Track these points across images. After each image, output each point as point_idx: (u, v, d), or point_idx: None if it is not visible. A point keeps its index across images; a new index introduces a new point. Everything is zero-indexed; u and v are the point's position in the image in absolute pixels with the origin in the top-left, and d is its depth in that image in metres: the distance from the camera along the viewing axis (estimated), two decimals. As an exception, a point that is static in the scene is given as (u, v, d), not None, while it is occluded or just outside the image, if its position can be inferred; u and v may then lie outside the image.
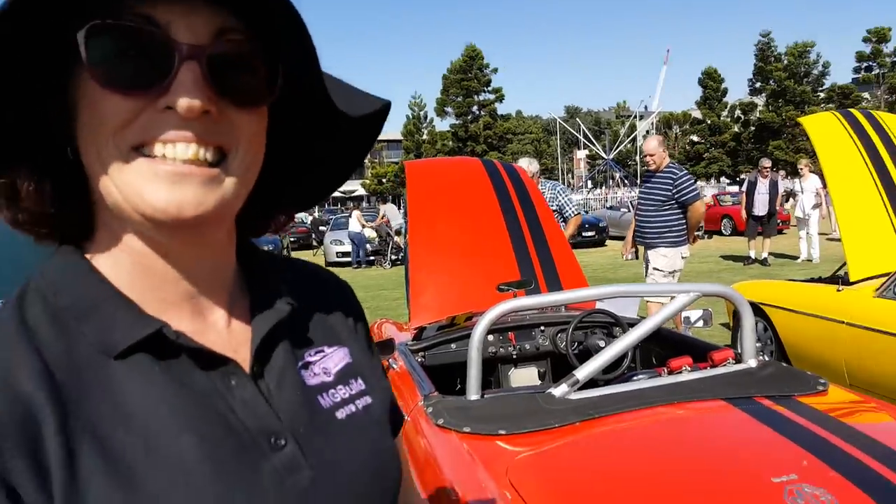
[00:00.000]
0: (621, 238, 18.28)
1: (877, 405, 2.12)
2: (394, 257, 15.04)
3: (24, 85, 0.49)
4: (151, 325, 0.52)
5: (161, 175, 0.49)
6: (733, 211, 16.29)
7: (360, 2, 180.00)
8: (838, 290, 4.02)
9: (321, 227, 21.47)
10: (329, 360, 0.64)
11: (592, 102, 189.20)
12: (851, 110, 4.99)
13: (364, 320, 0.74)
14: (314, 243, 20.77)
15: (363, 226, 15.48)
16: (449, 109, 43.97)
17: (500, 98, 44.47)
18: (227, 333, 0.58)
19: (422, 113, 45.65)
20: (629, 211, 18.93)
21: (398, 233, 14.74)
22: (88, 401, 0.49)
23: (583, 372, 2.20)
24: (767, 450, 1.72)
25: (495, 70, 44.25)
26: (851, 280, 4.11)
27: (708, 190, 31.25)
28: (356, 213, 15.93)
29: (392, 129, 51.98)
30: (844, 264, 4.25)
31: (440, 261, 3.57)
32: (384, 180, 44.49)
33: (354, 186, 60.13)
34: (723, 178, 42.54)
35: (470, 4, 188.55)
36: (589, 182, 52.95)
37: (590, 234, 17.03)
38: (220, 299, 0.59)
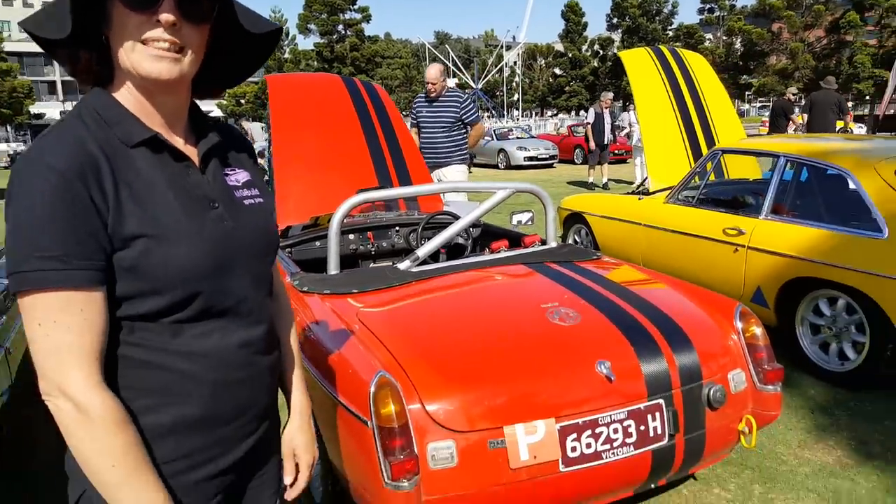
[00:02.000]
0: (485, 165, 19.39)
1: (628, 266, 2.90)
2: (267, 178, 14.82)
3: (85, 7, 0.92)
4: (150, 132, 0.99)
5: (150, 56, 0.94)
6: (584, 141, 17.69)
7: None
8: (639, 199, 4.93)
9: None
10: (238, 175, 1.14)
11: (462, 29, 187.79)
12: (661, 47, 5.87)
13: (255, 157, 1.22)
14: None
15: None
16: (312, 27, 41.93)
17: (367, 18, 43.04)
18: (184, 147, 1.06)
19: (283, 29, 42.99)
20: (493, 139, 19.93)
21: (261, 155, 14.50)
22: (121, 165, 0.96)
23: (422, 250, 2.76)
24: (543, 290, 2.41)
25: (360, -14, 42.55)
26: (651, 191, 5.04)
27: (568, 121, 33.04)
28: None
29: (253, 46, 48.13)
30: (647, 178, 5.17)
31: (303, 169, 3.93)
32: (243, 101, 42.02)
33: (210, 108, 56.26)
34: (582, 112, 44.93)
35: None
36: (458, 111, 53.47)
37: (454, 160, 17.79)
38: (180, 130, 1.06)
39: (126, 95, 0.99)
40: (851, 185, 3.47)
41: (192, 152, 1.06)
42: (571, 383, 1.96)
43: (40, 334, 0.89)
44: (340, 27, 42.53)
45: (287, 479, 1.27)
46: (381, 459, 1.76)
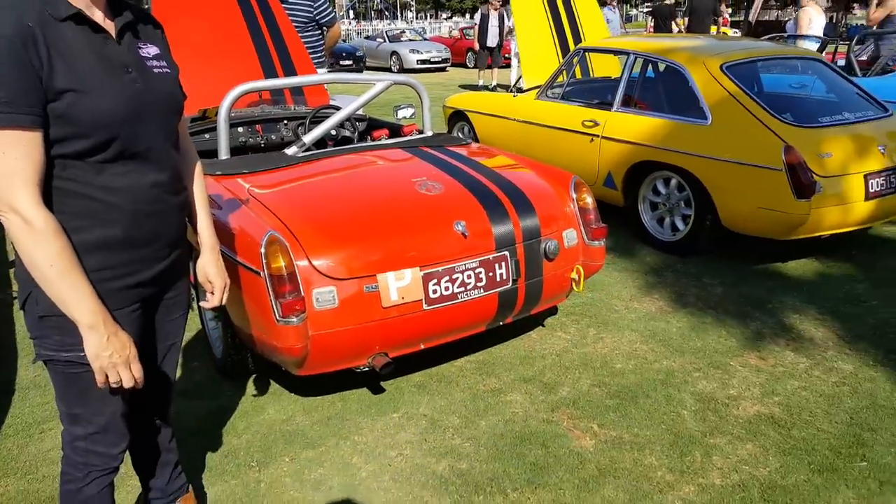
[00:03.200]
0: (377, 68, 19.04)
1: (492, 149, 3.32)
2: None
3: None
4: (75, 9, 1.25)
5: None
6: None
7: None
8: (514, 97, 5.34)
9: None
10: (150, 49, 1.41)
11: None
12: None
13: (163, 33, 1.48)
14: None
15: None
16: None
17: None
18: (104, 23, 1.31)
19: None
20: (385, 42, 19.49)
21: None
22: (53, 34, 1.21)
23: (307, 137, 3.03)
24: (415, 168, 2.79)
25: None
26: (525, 88, 5.45)
27: (463, 24, 32.52)
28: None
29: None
30: (521, 77, 5.56)
31: (187, 61, 3.91)
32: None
33: None
34: (477, 15, 44.19)
35: None
36: (350, 12, 51.18)
37: (347, 63, 17.35)
38: (100, 7, 1.31)
39: None
40: (685, 78, 4.02)
41: (110, 27, 1.32)
42: (433, 239, 2.39)
43: None
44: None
45: (205, 302, 1.63)
46: (273, 301, 2.13)
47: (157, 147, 1.37)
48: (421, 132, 3.46)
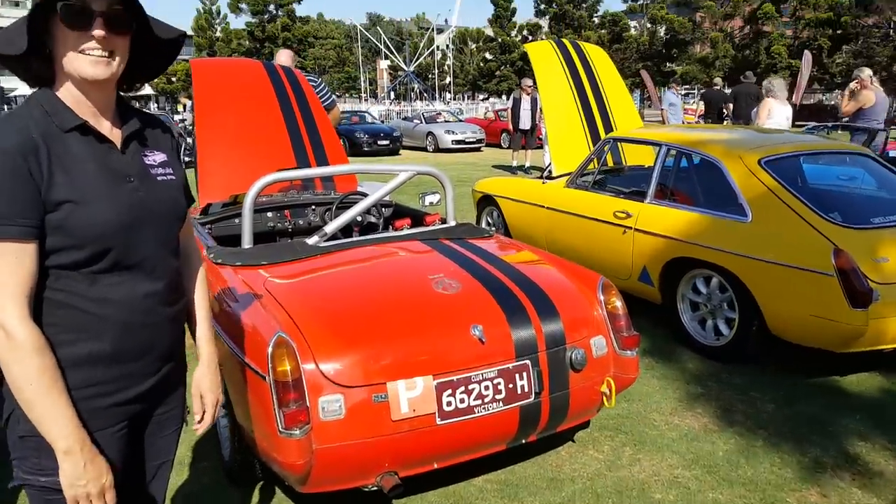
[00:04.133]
0: (414, 147, 19.50)
1: (514, 243, 3.20)
2: (186, 159, 14.49)
3: (34, 28, 1.20)
4: (80, 120, 1.26)
5: (89, 62, 1.21)
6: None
7: None
8: (543, 183, 5.27)
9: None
10: (156, 156, 1.40)
11: (394, 11, 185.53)
12: (564, 40, 6.22)
13: (177, 143, 1.49)
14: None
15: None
16: (244, 6, 40.87)
17: (299, -1, 42.29)
18: (110, 132, 1.32)
19: (214, 7, 41.76)
20: (421, 122, 20.09)
21: (190, 133, 14.08)
22: (57, 146, 1.22)
23: (329, 226, 2.96)
24: (433, 263, 2.67)
25: (292, -34, 41.66)
26: (554, 175, 5.39)
27: (499, 106, 33.48)
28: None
29: (182, 23, 46.36)
30: (551, 164, 5.52)
31: (224, 149, 4.03)
32: (174, 79, 40.53)
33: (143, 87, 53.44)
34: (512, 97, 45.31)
35: None
36: (391, 93, 53.40)
37: (385, 143, 17.84)
38: (109, 118, 1.32)
39: (65, 92, 1.25)
40: (721, 173, 3.87)
41: (117, 135, 1.32)
42: (448, 344, 2.22)
43: None
44: (272, 7, 41.53)
45: (196, 417, 1.52)
46: (277, 410, 1.97)
47: (153, 256, 1.34)
48: (444, 221, 3.38)
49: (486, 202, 5.88)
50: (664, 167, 4.28)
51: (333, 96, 5.42)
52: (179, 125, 14.78)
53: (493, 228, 5.67)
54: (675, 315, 4.05)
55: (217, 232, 3.67)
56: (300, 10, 43.64)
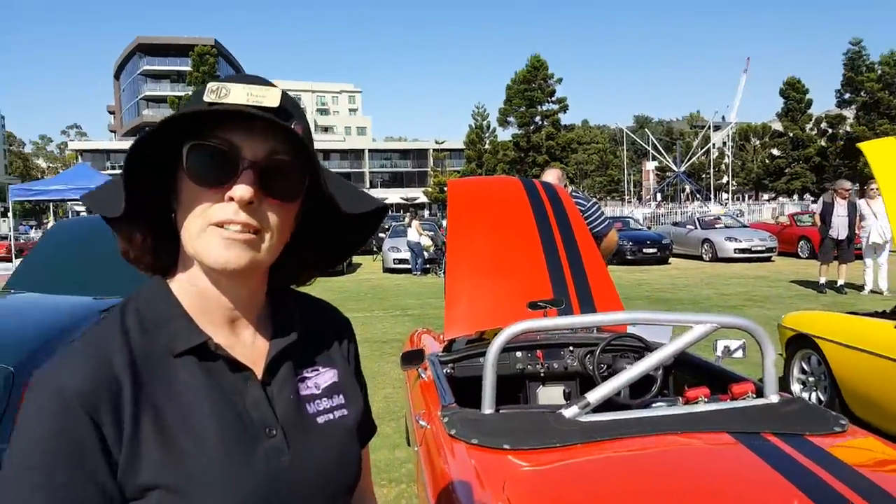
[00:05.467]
0: (686, 256, 17.72)
1: (888, 450, 2.06)
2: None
3: (150, 179, 0.76)
4: (200, 338, 0.78)
5: (220, 241, 0.74)
6: (811, 232, 14.90)
7: (430, 16, 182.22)
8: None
9: (381, 234, 21.95)
10: (321, 377, 0.88)
11: (664, 112, 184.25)
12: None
13: (355, 348, 0.97)
14: (374, 249, 21.28)
15: (420, 234, 15.78)
16: (511, 119, 44.12)
17: (564, 108, 44.21)
18: (251, 348, 0.83)
19: (484, 123, 45.94)
20: (696, 228, 18.32)
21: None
22: (154, 382, 0.75)
23: (594, 395, 2.24)
24: (761, 488, 1.72)
25: (559, 80, 44.05)
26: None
27: (789, 207, 29.81)
28: (415, 222, 16.25)
29: (455, 138, 52.13)
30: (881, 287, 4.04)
31: (475, 276, 3.65)
32: (445, 189, 45.11)
33: (417, 194, 60.91)
34: (807, 196, 40.27)
35: (537, 15, 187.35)
36: (658, 195, 51.63)
37: (651, 250, 16.59)
38: (250, 323, 0.84)
39: (186, 286, 0.80)
40: None
41: (260, 352, 0.83)
42: None
43: None
44: (538, 118, 44.11)
45: None
46: None
47: None
48: (759, 391, 2.39)
49: (800, 342, 4.53)
50: None
51: (609, 219, 4.62)
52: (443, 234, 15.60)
53: (818, 392, 4.29)
54: None
55: (459, 373, 3.23)
56: (565, 119, 45.65)
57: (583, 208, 4.39)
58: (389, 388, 5.82)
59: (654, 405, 2.51)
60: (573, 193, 4.54)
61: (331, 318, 0.96)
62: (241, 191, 0.72)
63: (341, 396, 0.88)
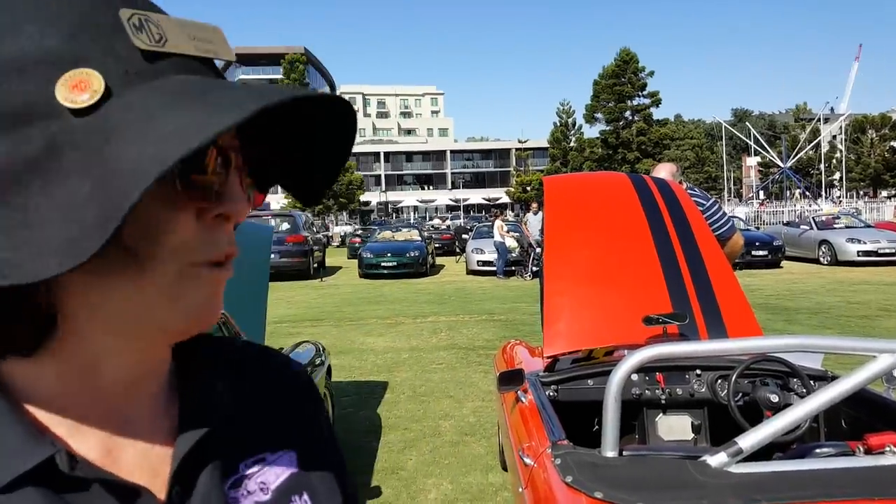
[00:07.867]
0: (800, 259, 16.17)
1: None
2: (535, 268, 14.68)
3: None
4: (41, 453, 0.41)
5: (207, 286, 0.47)
6: None
7: (513, 14, 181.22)
8: None
9: (464, 235, 21.70)
10: (269, 472, 0.55)
11: (765, 105, 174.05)
12: None
13: (323, 414, 0.63)
14: (457, 250, 21.06)
15: (504, 235, 15.31)
16: (599, 115, 42.87)
17: (657, 102, 42.52)
18: (148, 448, 0.49)
19: (569, 120, 44.93)
20: (811, 228, 16.79)
21: (539, 244, 14.39)
22: None
23: (749, 440, 1.78)
24: None
25: (651, 73, 42.42)
26: None
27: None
28: (498, 221, 15.78)
29: (538, 136, 51.29)
30: None
31: (579, 286, 3.22)
32: (528, 188, 44.41)
33: (499, 194, 60.45)
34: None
35: (623, 8, 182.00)
36: (760, 193, 48.49)
37: (762, 253, 15.31)
38: (147, 406, 0.50)
39: (64, 368, 0.44)
40: None
41: (160, 457, 0.49)
42: None
43: None
44: (628, 113, 42.61)
45: None
46: None
47: None
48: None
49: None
50: None
51: (732, 220, 4.01)
52: (532, 237, 14.93)
53: None
54: None
55: (563, 396, 2.83)
56: (658, 114, 43.85)
57: (702, 207, 3.79)
58: (478, 400, 5.47)
59: (818, 451, 2.01)
60: (690, 190, 3.93)
61: (276, 374, 0.62)
62: (242, 205, 0.46)
63: (305, 496, 0.56)
